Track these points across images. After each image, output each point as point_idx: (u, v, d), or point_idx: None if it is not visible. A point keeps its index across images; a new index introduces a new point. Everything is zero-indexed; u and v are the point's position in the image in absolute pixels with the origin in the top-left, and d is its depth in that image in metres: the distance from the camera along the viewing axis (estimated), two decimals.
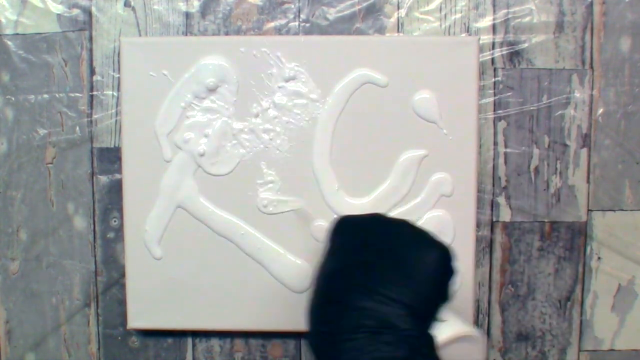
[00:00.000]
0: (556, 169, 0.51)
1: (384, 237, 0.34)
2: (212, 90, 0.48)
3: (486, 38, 0.50)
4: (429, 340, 0.31)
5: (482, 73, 0.50)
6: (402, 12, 0.50)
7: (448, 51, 0.47)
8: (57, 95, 0.52)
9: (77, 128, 0.52)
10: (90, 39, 0.51)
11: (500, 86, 0.51)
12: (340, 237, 0.36)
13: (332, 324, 0.31)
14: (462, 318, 0.35)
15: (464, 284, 0.49)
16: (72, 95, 0.52)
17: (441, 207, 0.49)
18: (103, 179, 0.52)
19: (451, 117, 0.48)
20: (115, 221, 0.52)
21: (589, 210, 0.51)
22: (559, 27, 0.50)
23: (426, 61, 0.48)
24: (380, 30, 0.51)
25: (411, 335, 0.29)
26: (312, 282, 0.35)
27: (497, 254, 0.52)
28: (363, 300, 0.30)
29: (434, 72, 0.48)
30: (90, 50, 0.51)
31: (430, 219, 0.49)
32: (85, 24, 0.51)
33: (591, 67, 0.51)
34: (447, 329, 0.33)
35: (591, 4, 0.50)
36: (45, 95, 0.52)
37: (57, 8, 0.51)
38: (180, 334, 0.53)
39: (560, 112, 0.51)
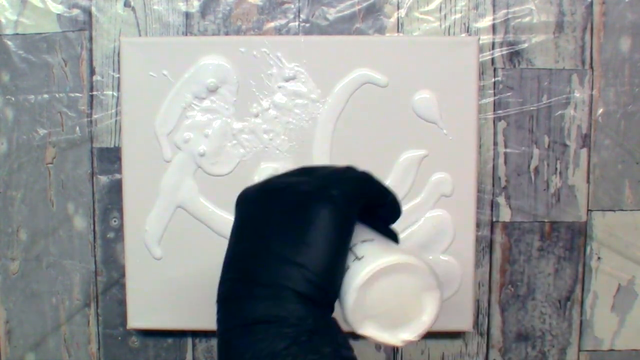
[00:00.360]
0: (556, 169, 0.51)
1: (272, 206, 0.28)
2: (212, 90, 0.48)
3: (486, 38, 0.50)
4: (329, 324, 0.26)
5: (482, 73, 0.50)
6: (402, 12, 0.50)
7: (448, 51, 0.47)
8: (57, 95, 0.52)
9: (77, 128, 0.52)
10: (90, 39, 0.51)
11: (500, 86, 0.51)
12: (235, 216, 0.30)
13: (228, 322, 0.27)
14: (392, 248, 0.29)
15: (464, 284, 0.49)
16: (72, 95, 0.52)
17: (441, 207, 0.49)
18: (103, 179, 0.52)
19: (451, 117, 0.48)
20: (115, 221, 0.52)
21: (589, 210, 0.51)
22: (559, 27, 0.50)
23: (426, 61, 0.48)
24: (380, 30, 0.51)
25: (302, 326, 0.25)
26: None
27: (497, 254, 0.52)
28: (250, 293, 0.26)
29: (434, 72, 0.48)
30: (90, 50, 0.51)
31: (430, 219, 0.49)
32: (85, 24, 0.51)
33: (591, 67, 0.51)
34: (364, 266, 0.27)
35: (591, 4, 0.50)
36: (45, 95, 0.52)
37: (57, 8, 0.51)
38: (180, 334, 0.53)
39: (560, 112, 0.51)
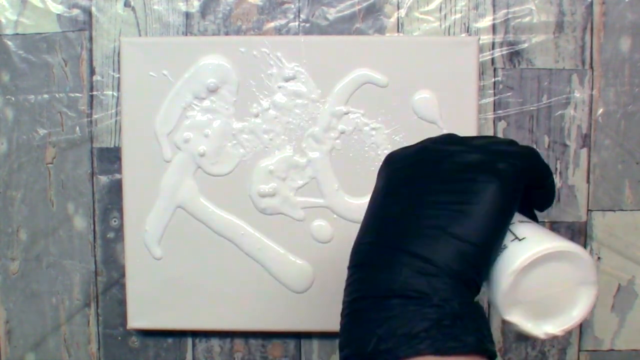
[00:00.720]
0: (556, 169, 0.51)
1: (431, 171, 0.26)
2: (212, 90, 0.48)
3: (486, 38, 0.50)
4: (474, 310, 0.24)
5: (482, 73, 0.50)
6: (402, 12, 0.50)
7: (448, 51, 0.47)
8: (57, 95, 0.52)
9: (77, 128, 0.52)
10: (90, 39, 0.51)
11: (500, 86, 0.51)
12: (382, 178, 0.28)
13: (361, 290, 0.25)
14: (552, 233, 0.27)
15: None
16: (72, 95, 0.52)
17: None
18: (103, 179, 0.52)
19: (451, 117, 0.48)
20: (115, 221, 0.52)
21: (589, 210, 0.51)
22: (559, 27, 0.50)
23: (426, 61, 0.48)
24: (380, 30, 0.51)
25: (447, 308, 0.23)
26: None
27: None
28: (395, 261, 0.24)
29: (434, 72, 0.48)
30: (90, 50, 0.51)
31: None
32: (85, 24, 0.51)
33: (591, 67, 0.51)
34: (526, 249, 0.25)
35: (591, 4, 0.50)
36: (45, 95, 0.52)
37: (57, 8, 0.51)
38: (180, 334, 0.53)
39: (560, 112, 0.51)
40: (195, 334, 0.53)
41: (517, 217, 0.27)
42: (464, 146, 0.27)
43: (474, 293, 0.24)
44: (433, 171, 0.26)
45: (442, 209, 0.25)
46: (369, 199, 0.28)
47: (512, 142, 0.28)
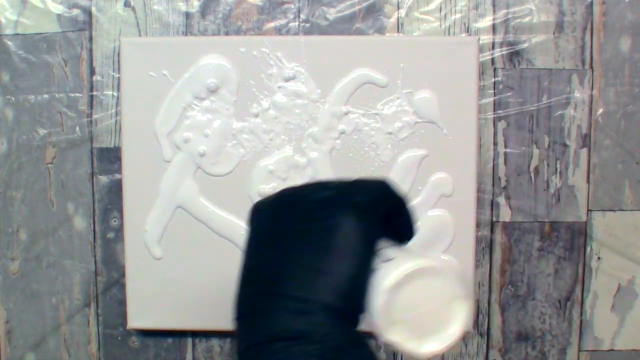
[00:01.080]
0: (556, 169, 0.51)
1: (289, 219, 0.27)
2: (212, 90, 0.48)
3: (486, 38, 0.50)
4: (356, 340, 0.25)
5: (482, 73, 0.50)
6: (402, 12, 0.50)
7: (448, 51, 0.47)
8: (57, 95, 0.52)
9: (77, 128, 0.52)
10: (90, 39, 0.51)
11: (500, 86, 0.51)
12: (250, 229, 0.29)
13: (247, 340, 0.25)
14: (421, 253, 0.28)
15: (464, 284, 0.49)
16: (72, 95, 0.52)
17: (441, 207, 0.49)
18: (103, 179, 0.52)
19: (451, 117, 0.48)
20: (115, 221, 0.52)
21: (589, 210, 0.51)
22: (559, 27, 0.50)
23: (426, 61, 0.48)
24: (380, 30, 0.51)
25: (328, 342, 0.24)
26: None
27: (497, 254, 0.52)
28: (272, 307, 0.25)
29: (434, 72, 0.48)
30: (90, 50, 0.51)
31: (430, 219, 0.49)
32: (85, 24, 0.51)
33: (591, 67, 0.51)
34: (393, 268, 0.26)
35: (591, 4, 0.50)
36: (45, 95, 0.52)
37: (57, 8, 0.51)
38: (180, 334, 0.53)
39: (560, 112, 0.51)
40: (195, 334, 0.53)
41: (385, 243, 0.28)
42: (319, 186, 0.28)
43: (353, 324, 0.25)
44: (293, 214, 0.27)
45: (307, 248, 0.25)
46: None
47: (363, 179, 0.29)
